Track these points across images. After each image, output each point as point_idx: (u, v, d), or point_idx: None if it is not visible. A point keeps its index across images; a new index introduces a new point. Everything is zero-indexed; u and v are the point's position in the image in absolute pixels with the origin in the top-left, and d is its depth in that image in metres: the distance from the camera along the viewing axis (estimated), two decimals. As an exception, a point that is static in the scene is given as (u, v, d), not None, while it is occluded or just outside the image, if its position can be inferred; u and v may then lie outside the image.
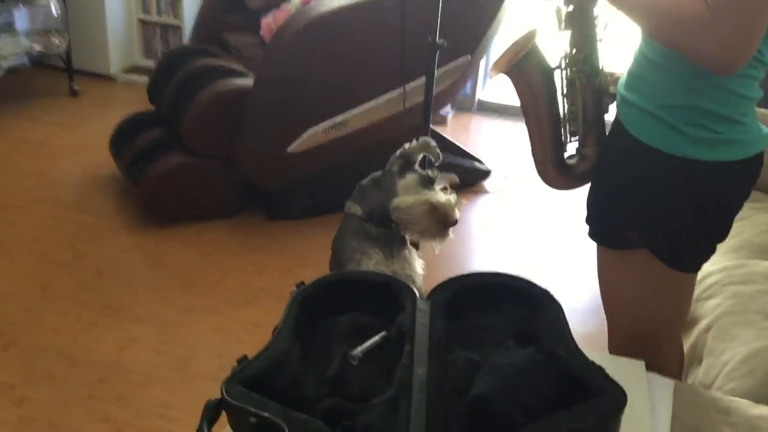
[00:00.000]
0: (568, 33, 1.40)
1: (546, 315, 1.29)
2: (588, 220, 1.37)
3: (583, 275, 2.92)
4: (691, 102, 1.15)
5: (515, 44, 1.43)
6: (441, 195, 1.47)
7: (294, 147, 2.79)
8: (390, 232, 1.53)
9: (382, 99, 2.90)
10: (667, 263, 1.25)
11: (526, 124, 1.47)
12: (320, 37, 2.70)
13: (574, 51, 1.39)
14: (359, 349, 1.15)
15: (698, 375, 1.66)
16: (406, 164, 1.54)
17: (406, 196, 1.49)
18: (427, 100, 2.07)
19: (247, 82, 2.84)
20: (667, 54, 1.14)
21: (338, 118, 2.83)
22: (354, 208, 1.55)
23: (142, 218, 2.91)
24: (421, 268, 1.59)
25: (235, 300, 2.52)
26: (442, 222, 1.46)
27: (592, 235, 1.36)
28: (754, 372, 1.51)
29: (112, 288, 2.52)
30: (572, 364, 1.16)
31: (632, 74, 1.25)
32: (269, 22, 3.19)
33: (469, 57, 3.09)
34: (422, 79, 2.95)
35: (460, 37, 3.02)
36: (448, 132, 3.74)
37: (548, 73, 1.42)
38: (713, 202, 1.21)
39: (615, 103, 1.35)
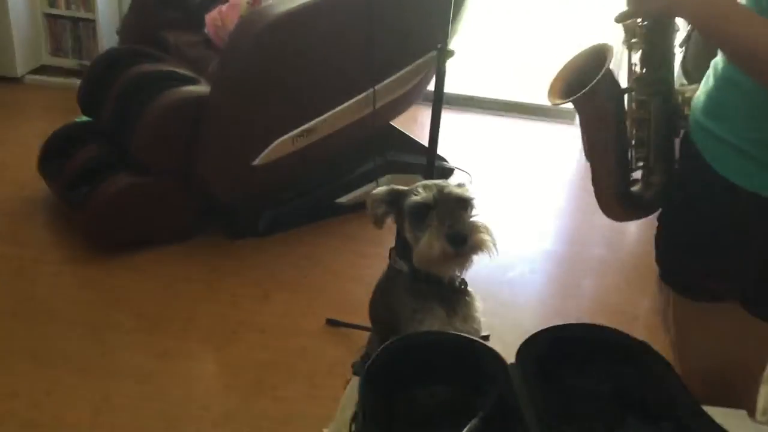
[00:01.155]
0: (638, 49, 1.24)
1: (648, 372, 1.16)
2: (662, 263, 1.22)
3: (550, 276, 2.84)
4: None
5: (579, 67, 1.26)
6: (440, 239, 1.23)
7: (260, 159, 2.53)
8: (444, 285, 1.34)
9: (352, 101, 2.67)
10: (759, 317, 1.12)
11: (590, 152, 1.30)
12: (284, 37, 2.44)
13: (645, 70, 1.23)
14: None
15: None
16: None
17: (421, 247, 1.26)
18: (435, 120, 1.86)
19: (202, 89, 2.54)
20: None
21: (307, 125, 2.58)
22: (399, 263, 1.35)
23: (87, 248, 2.56)
24: (480, 312, 1.41)
25: (213, 338, 2.25)
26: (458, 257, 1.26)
27: (668, 280, 1.21)
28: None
29: (69, 335, 2.19)
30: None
31: (715, 100, 1.09)
32: (214, 18, 2.88)
33: (438, 51, 2.90)
34: (392, 78, 2.79)
35: (429, 30, 2.83)
36: (398, 125, 3.56)
37: (619, 97, 1.26)
38: None
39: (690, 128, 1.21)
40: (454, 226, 1.21)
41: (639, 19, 1.18)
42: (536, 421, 1.06)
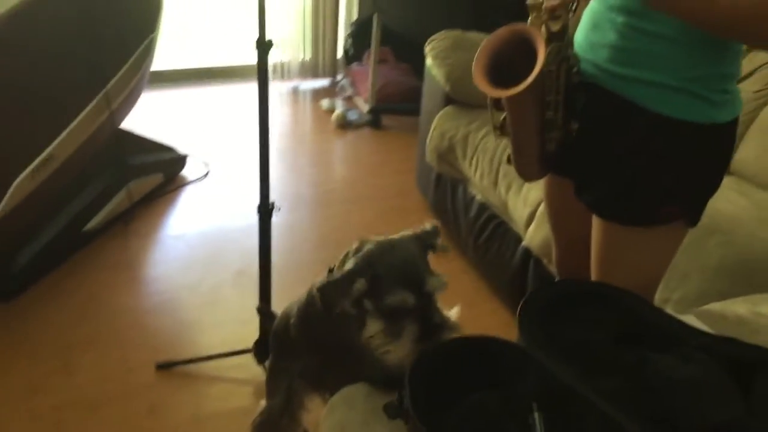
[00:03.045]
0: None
1: (634, 308, 1.27)
2: (609, 207, 1.31)
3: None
4: (714, 70, 1.19)
5: (498, 48, 1.23)
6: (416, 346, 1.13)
7: (2, 209, 2.01)
8: None
9: (85, 112, 2.25)
10: (694, 225, 1.31)
11: (514, 130, 1.31)
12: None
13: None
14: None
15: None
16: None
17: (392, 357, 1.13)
18: (263, 118, 1.67)
19: None
20: (687, 29, 1.13)
21: (44, 154, 2.12)
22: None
23: None
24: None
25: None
26: None
27: (619, 218, 1.32)
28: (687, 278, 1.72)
29: None
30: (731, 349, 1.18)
31: (633, 51, 1.19)
32: None
33: (153, 35, 2.57)
34: (119, 74, 2.42)
35: (141, 16, 2.50)
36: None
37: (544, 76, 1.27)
38: (729, 159, 1.30)
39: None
40: (434, 335, 1.10)
41: None
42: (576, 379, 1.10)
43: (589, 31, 1.26)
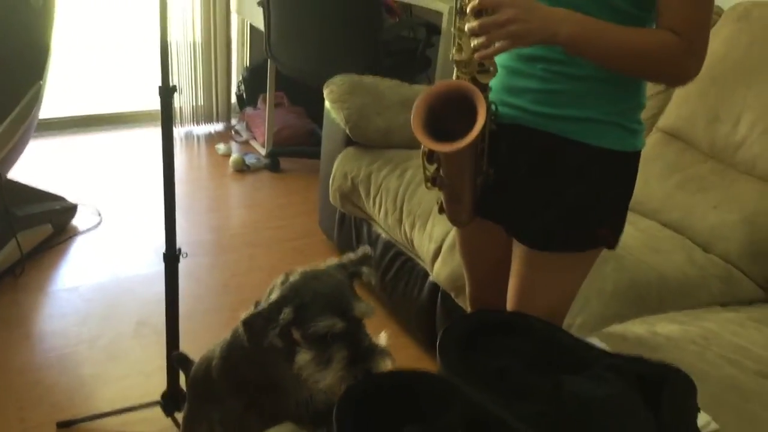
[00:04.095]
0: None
1: (546, 335, 1.33)
2: (547, 236, 1.36)
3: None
4: (632, 103, 1.30)
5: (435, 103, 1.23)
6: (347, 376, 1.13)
7: None
8: None
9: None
10: (615, 247, 1.40)
11: (451, 181, 1.34)
12: None
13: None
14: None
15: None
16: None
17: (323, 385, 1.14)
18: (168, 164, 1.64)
19: None
20: (606, 69, 1.23)
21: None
22: (274, 338, 1.21)
23: None
24: None
25: None
26: None
27: (555, 246, 1.37)
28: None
29: None
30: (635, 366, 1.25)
31: (558, 92, 1.26)
32: None
33: (41, 82, 2.48)
34: (5, 124, 2.31)
35: (28, 64, 2.41)
36: None
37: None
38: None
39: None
40: (365, 361, 1.11)
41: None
42: (498, 406, 1.14)
43: (506, 77, 1.31)
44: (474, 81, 1.22)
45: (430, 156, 1.34)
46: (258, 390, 1.26)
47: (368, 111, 2.62)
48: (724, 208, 2.16)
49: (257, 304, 1.17)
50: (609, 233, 1.38)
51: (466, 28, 1.15)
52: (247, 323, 1.11)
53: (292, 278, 1.15)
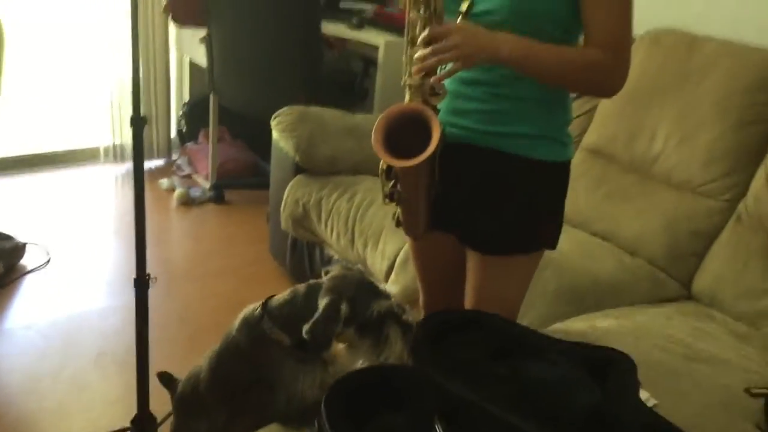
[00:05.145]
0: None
1: (503, 328, 1.48)
2: (496, 241, 1.52)
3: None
4: (562, 118, 1.48)
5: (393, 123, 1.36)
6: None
7: None
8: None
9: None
10: (555, 247, 1.57)
11: (408, 195, 1.46)
12: None
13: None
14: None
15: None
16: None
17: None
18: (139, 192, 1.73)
19: None
20: (539, 89, 1.41)
21: None
22: (280, 335, 1.34)
23: None
24: None
25: None
26: None
27: (505, 249, 1.52)
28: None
29: None
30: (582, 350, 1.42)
31: (498, 112, 1.43)
32: None
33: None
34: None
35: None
36: None
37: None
38: None
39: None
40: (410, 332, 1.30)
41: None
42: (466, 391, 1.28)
43: (452, 101, 1.45)
44: (426, 104, 1.37)
45: (388, 172, 1.49)
46: (247, 392, 1.36)
47: (315, 139, 2.75)
48: (646, 216, 2.39)
49: (264, 304, 1.33)
50: (549, 235, 1.56)
51: (416, 57, 1.32)
52: (311, 331, 1.24)
53: (323, 285, 1.30)
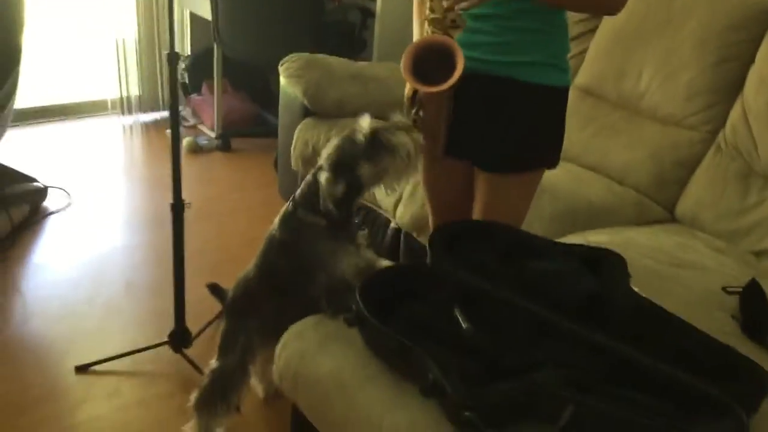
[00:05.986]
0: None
1: (512, 234, 1.68)
2: (504, 161, 1.71)
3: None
4: (563, 47, 1.66)
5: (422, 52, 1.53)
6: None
7: None
8: (350, 229, 1.59)
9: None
10: (555, 166, 1.77)
11: (432, 121, 1.65)
12: None
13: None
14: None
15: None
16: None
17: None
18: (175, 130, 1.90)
19: None
20: (546, 21, 1.59)
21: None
22: (314, 218, 1.53)
23: None
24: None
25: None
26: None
27: (512, 167, 1.72)
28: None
29: None
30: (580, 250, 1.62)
31: (508, 43, 1.60)
32: None
33: (19, 68, 2.65)
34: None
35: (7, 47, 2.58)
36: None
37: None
38: None
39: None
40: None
41: None
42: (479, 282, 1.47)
43: (465, 35, 1.59)
44: (448, 35, 1.55)
45: (413, 100, 1.67)
46: (293, 280, 1.57)
47: (323, 84, 2.91)
48: (633, 148, 2.59)
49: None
50: (551, 155, 1.75)
51: None
52: (324, 205, 1.51)
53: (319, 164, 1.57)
